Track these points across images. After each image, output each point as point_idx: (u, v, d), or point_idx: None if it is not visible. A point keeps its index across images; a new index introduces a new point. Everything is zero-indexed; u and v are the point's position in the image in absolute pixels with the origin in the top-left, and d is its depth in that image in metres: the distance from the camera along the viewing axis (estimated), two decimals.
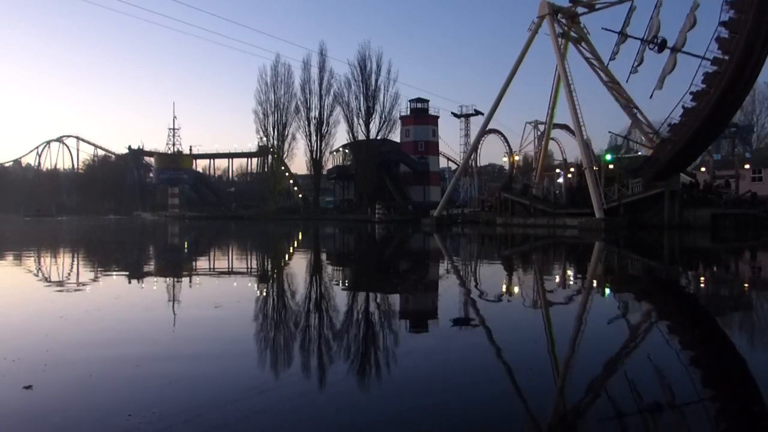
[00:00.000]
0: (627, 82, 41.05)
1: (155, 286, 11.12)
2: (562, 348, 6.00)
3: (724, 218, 35.74)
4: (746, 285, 12.03)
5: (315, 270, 14.85)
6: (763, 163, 51.96)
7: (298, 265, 16.80)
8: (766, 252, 21.84)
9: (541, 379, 4.69)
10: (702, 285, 12.12)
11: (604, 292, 10.79)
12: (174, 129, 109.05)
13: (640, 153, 40.82)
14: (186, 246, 27.20)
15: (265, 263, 17.88)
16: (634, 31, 39.70)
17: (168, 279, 12.26)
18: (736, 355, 5.72)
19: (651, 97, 40.68)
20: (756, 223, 35.17)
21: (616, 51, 40.88)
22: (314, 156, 74.25)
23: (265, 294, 10.37)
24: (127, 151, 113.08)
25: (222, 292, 10.22)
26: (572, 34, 42.60)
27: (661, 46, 38.17)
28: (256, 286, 11.50)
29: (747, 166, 50.90)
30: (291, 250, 22.94)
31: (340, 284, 11.91)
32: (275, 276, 13.74)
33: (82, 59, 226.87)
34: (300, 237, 33.99)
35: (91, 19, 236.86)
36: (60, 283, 11.21)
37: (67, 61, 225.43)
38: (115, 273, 13.64)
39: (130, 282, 11.47)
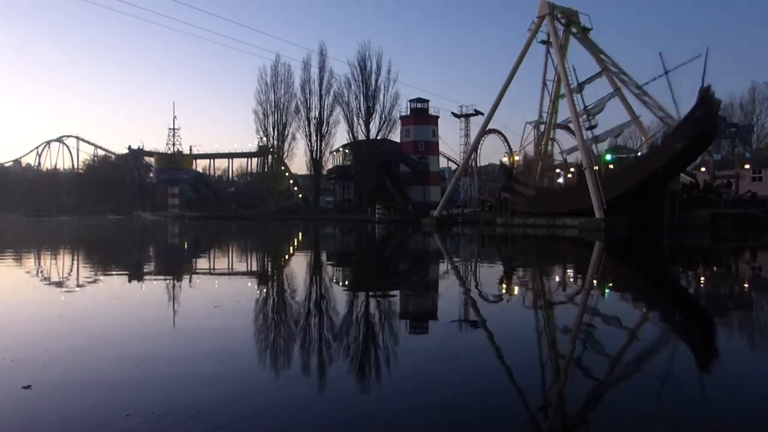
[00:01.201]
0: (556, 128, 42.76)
1: (155, 286, 11.12)
2: (562, 348, 5.99)
3: (724, 218, 35.69)
4: (746, 285, 12.02)
5: (315, 270, 14.84)
6: (763, 163, 51.90)
7: (299, 265, 16.80)
8: (766, 252, 21.83)
9: (541, 379, 4.69)
10: (701, 284, 12.11)
11: (603, 292, 10.79)
12: (174, 129, 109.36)
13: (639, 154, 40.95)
14: (186, 246, 27.20)
15: (266, 263, 17.87)
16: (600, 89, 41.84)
17: (168, 279, 12.27)
18: (737, 355, 5.71)
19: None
20: (756, 223, 35.13)
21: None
22: (314, 156, 74.43)
23: (265, 294, 10.36)
24: (127, 151, 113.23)
25: (222, 292, 10.22)
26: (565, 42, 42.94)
27: (591, 128, 41.23)
28: (256, 286, 11.49)
29: (747, 166, 50.84)
30: (291, 250, 22.93)
31: (340, 284, 11.89)
32: (275, 276, 13.74)
33: (83, 59, 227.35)
34: (300, 237, 33.98)
35: (92, 19, 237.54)
36: (59, 283, 11.20)
37: (68, 61, 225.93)
38: (114, 273, 13.64)
39: (129, 282, 11.47)
